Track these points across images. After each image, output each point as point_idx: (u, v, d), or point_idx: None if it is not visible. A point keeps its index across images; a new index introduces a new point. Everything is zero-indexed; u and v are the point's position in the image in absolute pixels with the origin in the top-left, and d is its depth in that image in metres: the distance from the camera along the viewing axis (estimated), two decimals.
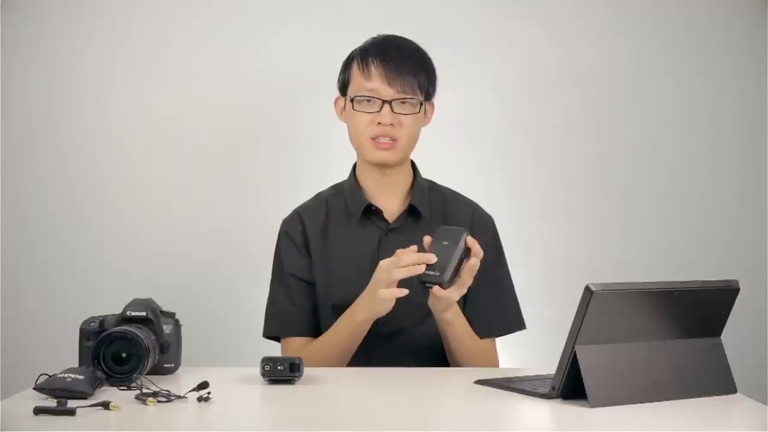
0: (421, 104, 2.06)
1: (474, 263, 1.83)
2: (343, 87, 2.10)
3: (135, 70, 2.82)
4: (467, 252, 1.82)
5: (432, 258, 1.81)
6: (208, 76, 2.83)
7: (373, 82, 2.03)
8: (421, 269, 1.81)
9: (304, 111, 2.83)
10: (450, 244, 1.81)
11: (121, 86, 2.82)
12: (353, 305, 1.95)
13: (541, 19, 2.89)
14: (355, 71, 2.06)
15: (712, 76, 2.91)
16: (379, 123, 2.03)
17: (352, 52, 2.10)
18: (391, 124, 2.03)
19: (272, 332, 2.10)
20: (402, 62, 2.04)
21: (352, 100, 2.05)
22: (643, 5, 2.91)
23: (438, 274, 1.79)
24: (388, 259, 1.86)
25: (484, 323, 2.05)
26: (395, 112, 2.03)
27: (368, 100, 2.04)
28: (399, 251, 1.86)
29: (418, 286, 1.84)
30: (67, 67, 2.81)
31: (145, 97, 2.82)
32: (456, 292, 1.85)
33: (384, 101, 2.02)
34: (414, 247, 1.84)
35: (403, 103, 2.04)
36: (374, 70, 2.03)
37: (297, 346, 2.06)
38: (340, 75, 2.12)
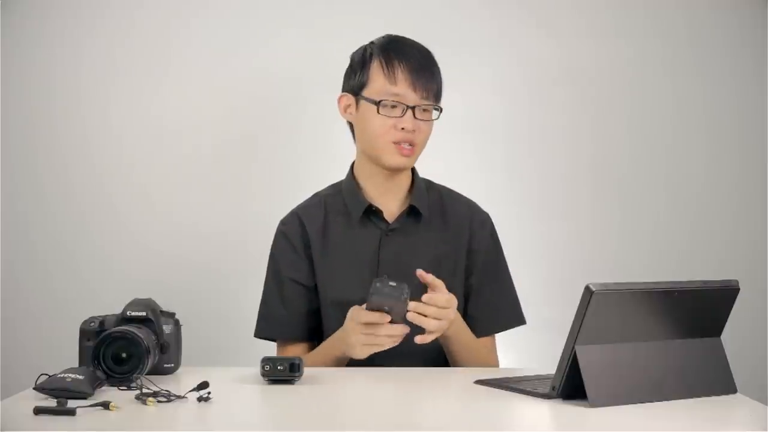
0: (438, 111, 2.05)
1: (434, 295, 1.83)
2: (359, 87, 2.05)
3: (135, 71, 2.82)
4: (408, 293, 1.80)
5: (406, 329, 1.82)
6: (208, 76, 2.83)
7: (399, 87, 2.01)
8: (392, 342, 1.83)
9: (303, 111, 2.83)
10: (397, 285, 1.78)
11: (121, 86, 2.82)
12: (335, 338, 1.95)
13: (541, 19, 2.89)
14: (377, 73, 2.02)
15: (712, 76, 2.91)
16: (403, 128, 2.01)
17: (368, 50, 2.06)
18: (413, 130, 2.02)
19: (263, 334, 2.11)
20: (425, 68, 2.02)
21: (377, 103, 2.00)
22: (643, 5, 2.91)
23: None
24: (359, 310, 1.84)
25: (485, 320, 2.06)
26: (417, 118, 2.02)
27: (393, 105, 2.01)
28: (354, 310, 1.86)
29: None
30: (67, 67, 2.81)
31: (145, 97, 2.82)
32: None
33: (408, 107, 2.01)
34: (387, 318, 1.82)
35: (425, 109, 2.03)
36: (400, 74, 2.00)
37: (291, 353, 2.06)
38: (355, 73, 2.06)
